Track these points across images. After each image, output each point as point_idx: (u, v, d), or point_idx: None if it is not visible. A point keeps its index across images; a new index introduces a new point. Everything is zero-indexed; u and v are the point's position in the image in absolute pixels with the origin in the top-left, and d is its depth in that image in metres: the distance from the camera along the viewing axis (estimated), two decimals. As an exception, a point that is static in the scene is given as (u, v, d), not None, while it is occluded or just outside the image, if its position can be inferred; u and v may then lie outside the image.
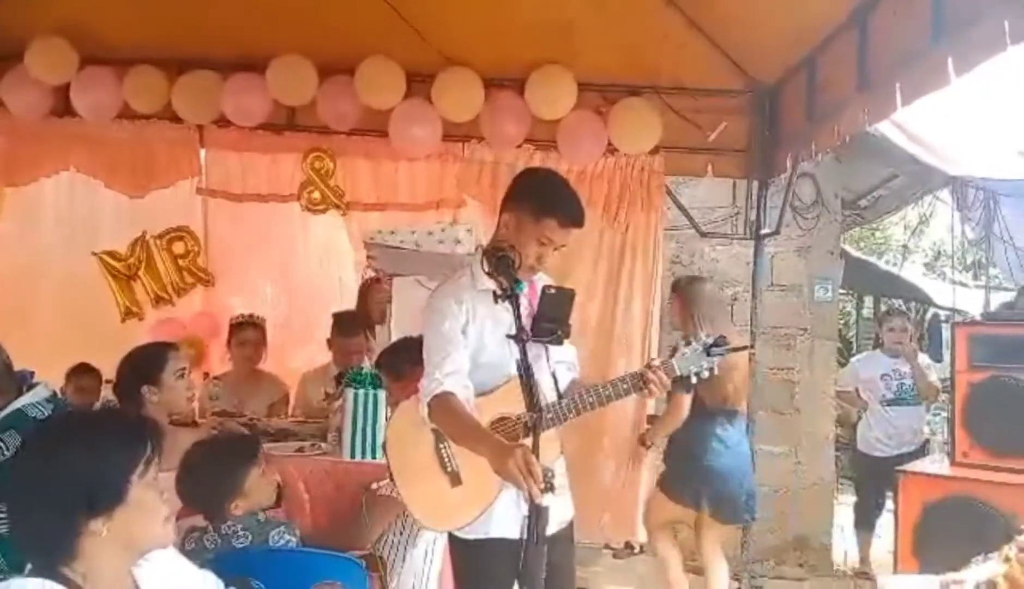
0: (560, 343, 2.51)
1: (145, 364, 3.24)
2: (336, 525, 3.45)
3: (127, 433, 1.77)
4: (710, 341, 2.59)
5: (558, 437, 2.56)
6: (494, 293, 2.33)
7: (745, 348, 3.05)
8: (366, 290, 4.87)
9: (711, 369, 2.58)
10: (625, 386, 2.53)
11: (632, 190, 4.66)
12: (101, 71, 4.50)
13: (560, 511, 2.57)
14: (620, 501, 4.71)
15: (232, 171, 4.92)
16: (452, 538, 2.65)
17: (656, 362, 2.57)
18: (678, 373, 2.56)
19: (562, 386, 2.57)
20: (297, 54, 4.39)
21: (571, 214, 2.56)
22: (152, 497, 1.76)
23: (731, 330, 6.27)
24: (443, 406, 2.44)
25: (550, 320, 2.46)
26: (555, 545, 2.43)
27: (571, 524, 2.73)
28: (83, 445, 1.71)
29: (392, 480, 2.66)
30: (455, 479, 2.50)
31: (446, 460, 2.51)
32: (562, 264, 3.56)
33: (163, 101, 4.53)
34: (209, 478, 2.68)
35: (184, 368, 3.32)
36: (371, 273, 4.85)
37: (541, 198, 2.56)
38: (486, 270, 2.43)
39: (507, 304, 2.28)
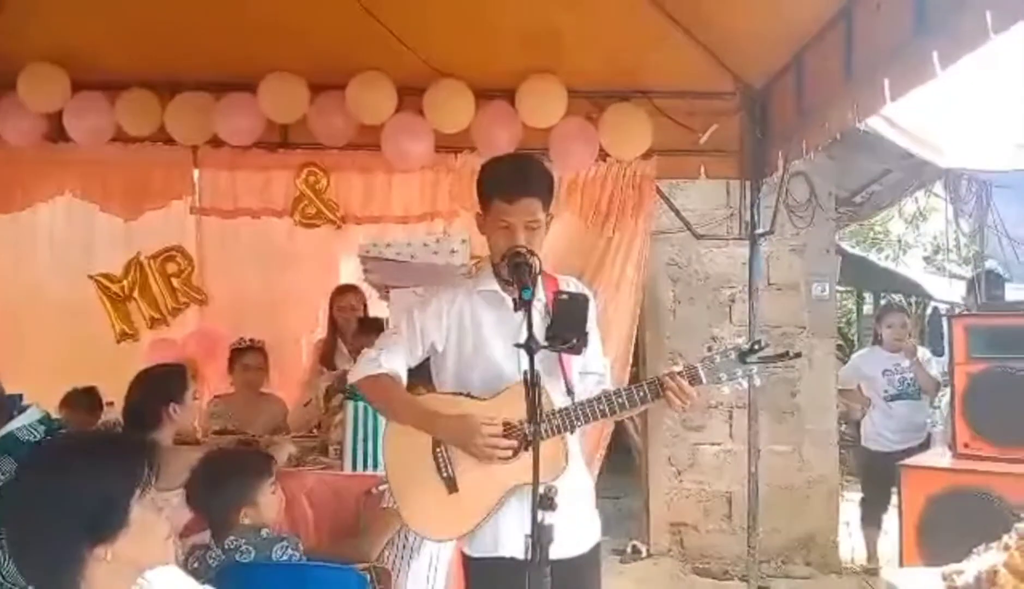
0: (578, 352, 2.39)
1: (169, 385, 3.33)
2: (340, 538, 3.46)
3: (125, 456, 1.76)
4: (746, 347, 2.37)
5: (564, 449, 2.38)
6: (514, 301, 2.25)
7: (788, 355, 2.53)
8: (335, 299, 4.97)
9: (748, 378, 2.38)
10: (641, 394, 2.37)
11: (625, 195, 4.66)
12: (94, 96, 4.51)
13: (582, 533, 2.50)
14: None
15: (226, 190, 4.94)
16: (463, 554, 2.56)
17: (678, 368, 2.39)
18: (704, 382, 2.38)
19: (584, 397, 2.42)
20: (288, 72, 4.40)
21: (512, 186, 2.42)
22: (152, 517, 1.77)
23: (730, 331, 6.35)
24: (383, 384, 2.43)
25: (566, 328, 2.36)
26: (579, 568, 2.42)
27: (597, 547, 2.59)
28: (82, 470, 1.70)
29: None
30: (451, 485, 2.38)
31: (442, 465, 2.38)
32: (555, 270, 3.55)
33: (156, 124, 4.53)
34: (224, 484, 2.76)
35: (194, 389, 3.42)
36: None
37: (484, 185, 2.51)
38: (504, 277, 2.39)
39: (519, 311, 2.19)
